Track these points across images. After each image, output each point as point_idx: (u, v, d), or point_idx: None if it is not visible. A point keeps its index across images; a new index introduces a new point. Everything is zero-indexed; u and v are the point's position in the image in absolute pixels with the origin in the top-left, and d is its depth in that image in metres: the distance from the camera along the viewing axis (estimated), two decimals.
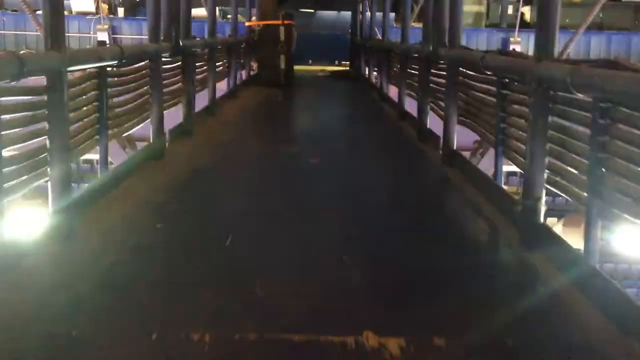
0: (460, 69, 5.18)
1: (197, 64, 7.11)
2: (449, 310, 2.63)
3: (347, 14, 18.73)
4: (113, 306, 2.52)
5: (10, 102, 2.93)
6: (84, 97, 3.78)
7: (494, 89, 4.33)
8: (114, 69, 4.22)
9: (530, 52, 12.65)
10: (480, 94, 4.74)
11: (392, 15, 14.02)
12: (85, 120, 3.81)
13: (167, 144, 5.38)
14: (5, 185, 2.79)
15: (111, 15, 15.81)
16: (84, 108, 3.81)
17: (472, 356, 2.29)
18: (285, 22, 12.04)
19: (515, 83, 3.94)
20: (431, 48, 6.02)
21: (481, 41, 16.90)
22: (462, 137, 5.32)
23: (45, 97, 3.08)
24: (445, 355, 2.27)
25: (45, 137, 3.13)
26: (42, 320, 2.38)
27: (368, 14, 13.96)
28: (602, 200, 2.80)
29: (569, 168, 3.13)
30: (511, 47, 16.79)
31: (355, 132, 7.76)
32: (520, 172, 4.11)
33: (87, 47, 14.42)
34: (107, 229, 3.43)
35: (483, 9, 19.05)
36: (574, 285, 2.81)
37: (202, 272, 2.92)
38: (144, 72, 4.95)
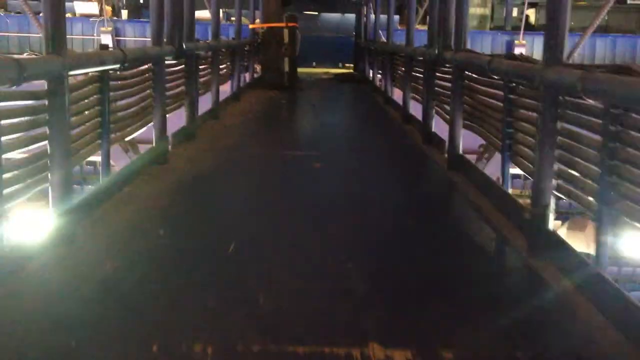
0: (466, 72, 5.12)
1: (200, 67, 7.08)
2: (456, 318, 2.58)
3: (351, 17, 18.70)
4: (113, 315, 2.48)
5: (10, 107, 2.89)
6: (85, 100, 3.74)
7: (500, 93, 4.28)
8: (117, 72, 4.17)
9: (535, 55, 12.76)
10: (487, 98, 4.69)
11: (396, 17, 14.00)
12: (87, 124, 3.77)
13: (170, 147, 5.34)
14: (5, 191, 2.75)
15: (115, 18, 15.82)
16: (86, 112, 3.77)
17: None
18: (289, 24, 12.00)
19: (522, 87, 3.89)
20: (437, 51, 5.96)
21: (486, 44, 16.86)
22: (466, 140, 5.26)
23: (46, 102, 3.04)
24: None
25: (47, 141, 3.09)
26: (41, 329, 2.34)
27: (372, 16, 13.93)
28: (612, 209, 2.75)
29: (578, 175, 3.08)
30: (516, 49, 16.74)
31: (360, 135, 7.72)
32: (524, 175, 4.06)
33: (90, 50, 14.45)
34: (109, 235, 3.39)
35: (488, 11, 19.02)
36: (583, 294, 2.75)
37: (205, 280, 2.87)
38: (146, 75, 4.91)
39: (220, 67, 8.40)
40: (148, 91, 4.98)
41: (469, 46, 5.40)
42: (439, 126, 6.31)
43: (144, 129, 4.96)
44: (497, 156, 5.15)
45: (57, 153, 3.11)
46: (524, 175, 4.01)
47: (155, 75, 4.97)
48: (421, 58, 7.19)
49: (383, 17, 12.44)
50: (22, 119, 2.92)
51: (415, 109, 7.65)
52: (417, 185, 5.03)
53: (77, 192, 3.57)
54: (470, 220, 4.01)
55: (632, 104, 2.58)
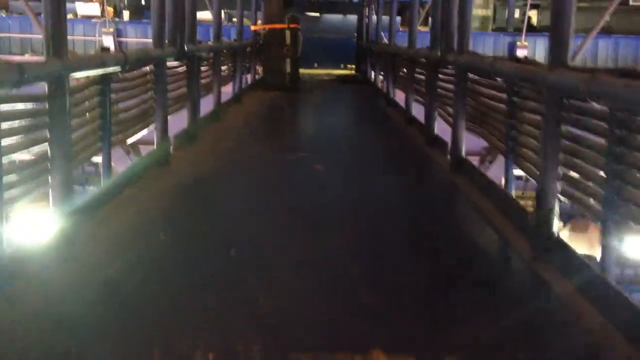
0: (469, 74, 5.10)
1: (202, 69, 7.06)
2: (458, 320, 2.56)
3: (352, 18, 18.67)
4: (112, 321, 2.45)
5: (11, 110, 2.87)
6: (87, 103, 3.72)
7: (503, 95, 4.26)
8: (118, 74, 4.16)
9: (537, 57, 12.73)
10: (490, 101, 4.66)
11: (398, 19, 13.98)
12: (88, 126, 3.75)
13: (171, 149, 5.31)
14: (6, 194, 2.73)
15: (116, 19, 15.82)
16: (87, 114, 3.76)
17: None
18: (291, 25, 11.98)
19: (526, 90, 3.87)
20: (439, 53, 5.94)
21: (487, 45, 16.83)
22: (469, 141, 5.23)
23: (46, 105, 3.02)
24: None
25: (47, 144, 3.08)
26: (41, 333, 2.32)
27: (374, 17, 13.91)
28: (618, 214, 2.72)
29: (583, 178, 3.05)
30: (518, 51, 16.72)
31: (362, 137, 7.68)
32: (526, 177, 4.03)
33: (91, 52, 14.44)
34: (110, 238, 3.36)
35: (490, 12, 18.99)
36: (587, 298, 2.72)
37: (206, 286, 2.84)
38: (148, 77, 4.89)
39: (222, 68, 8.38)
40: (149, 93, 4.96)
41: (470, 48, 5.37)
42: (441, 128, 6.29)
43: (146, 131, 4.95)
44: (500, 158, 5.15)
45: (57, 155, 3.10)
46: (526, 176, 3.99)
47: (156, 77, 4.96)
48: (423, 60, 7.17)
49: (384, 19, 12.42)
50: (23, 121, 2.90)
51: (418, 111, 7.63)
52: (419, 188, 5.00)
53: (79, 194, 3.56)
54: (474, 224, 3.98)
55: (638, 108, 2.55)
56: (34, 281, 2.74)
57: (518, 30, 17.13)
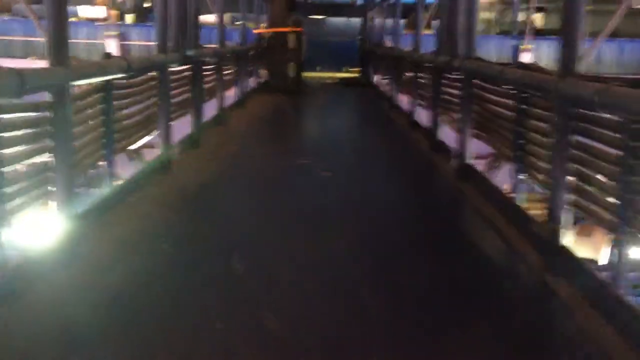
0: (476, 80, 5.04)
1: (205, 73, 7.01)
2: (468, 333, 2.52)
3: (356, 21, 18.63)
4: (113, 337, 2.40)
5: (13, 118, 2.82)
6: (89, 110, 3.67)
7: (511, 102, 4.20)
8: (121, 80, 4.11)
9: (542, 60, 12.62)
10: (497, 107, 4.60)
11: (402, 21, 13.90)
12: (91, 133, 3.70)
13: (174, 155, 5.26)
14: (8, 203, 2.69)
15: (120, 22, 15.80)
16: (90, 121, 3.71)
17: None
18: (295, 29, 11.94)
19: (535, 97, 3.81)
20: (445, 58, 5.88)
21: (492, 48, 16.79)
22: (473, 145, 5.17)
23: (48, 113, 2.97)
24: None
25: (51, 152, 3.03)
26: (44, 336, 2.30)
27: (377, 20, 13.86)
28: (631, 225, 2.67)
29: (595, 190, 2.99)
30: (522, 54, 16.67)
31: (366, 142, 7.61)
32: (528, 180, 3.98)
33: (95, 54, 14.42)
34: (111, 250, 3.31)
35: (494, 15, 18.95)
36: (599, 313, 2.66)
37: (209, 297, 2.79)
38: (151, 83, 4.84)
39: (226, 72, 8.33)
40: (153, 99, 4.91)
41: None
42: (446, 133, 6.23)
43: (149, 136, 4.90)
44: (506, 163, 5.07)
45: (60, 163, 3.05)
46: (529, 181, 3.93)
47: (159, 83, 4.91)
48: (429, 65, 7.11)
49: (388, 22, 12.37)
50: (25, 130, 2.85)
51: (422, 115, 7.57)
52: (425, 196, 4.93)
53: (81, 201, 3.51)
54: (482, 234, 3.91)
55: None
56: (35, 291, 2.70)
57: (523, 34, 17.08)
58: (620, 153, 2.73)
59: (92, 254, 3.16)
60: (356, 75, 17.11)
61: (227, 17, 11.01)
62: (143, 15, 16.47)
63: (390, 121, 9.13)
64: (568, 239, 3.14)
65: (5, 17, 15.31)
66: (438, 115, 6.35)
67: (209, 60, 7.22)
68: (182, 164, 5.32)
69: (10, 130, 2.75)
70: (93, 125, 3.72)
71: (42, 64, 3.01)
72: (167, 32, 5.05)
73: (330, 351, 2.37)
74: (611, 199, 2.84)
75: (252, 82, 11.36)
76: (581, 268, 2.93)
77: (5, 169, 2.70)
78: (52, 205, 3.10)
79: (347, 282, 3.02)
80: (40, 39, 13.59)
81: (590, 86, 2.75)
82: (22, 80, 2.53)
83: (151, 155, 5.00)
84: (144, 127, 4.75)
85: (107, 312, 2.57)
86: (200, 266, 3.13)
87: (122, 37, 14.34)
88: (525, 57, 16.56)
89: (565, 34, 3.13)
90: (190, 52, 5.79)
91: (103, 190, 3.93)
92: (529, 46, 16.68)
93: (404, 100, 9.15)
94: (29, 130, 2.86)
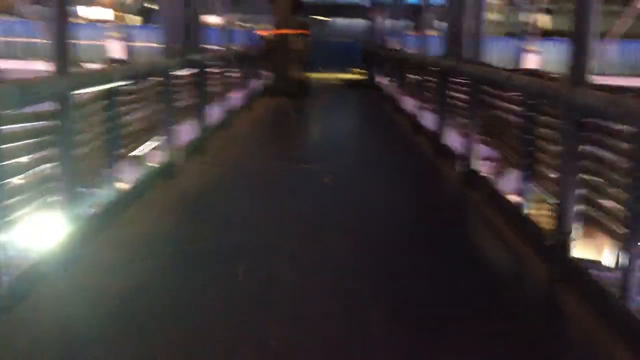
0: (482, 85, 4.99)
1: (210, 77, 6.97)
2: (474, 348, 2.48)
3: (360, 22, 18.60)
4: (115, 353, 2.36)
5: (15, 128, 2.79)
6: (93, 117, 3.63)
7: (519, 109, 4.15)
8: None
9: (546, 62, 12.51)
10: (504, 114, 4.55)
11: (405, 23, 13.87)
12: (94, 141, 3.66)
13: (179, 161, 5.22)
14: (11, 214, 2.66)
15: (124, 23, 15.77)
16: (94, 129, 3.66)
17: None
18: (299, 31, 11.90)
19: (544, 105, 3.75)
20: (451, 62, 5.83)
21: (498, 50, 16.69)
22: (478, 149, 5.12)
23: (51, 122, 2.93)
24: None
25: (53, 161, 2.99)
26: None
27: (381, 21, 13.82)
28: None
29: (605, 201, 2.94)
30: (528, 55, 16.59)
31: (370, 147, 7.54)
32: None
33: (97, 60, 14.40)
34: (114, 260, 3.26)
35: (500, 17, 18.88)
36: (607, 327, 2.62)
37: (213, 311, 2.75)
38: (155, 88, 4.80)
39: (230, 75, 8.29)
40: (157, 104, 4.87)
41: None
42: (451, 137, 6.18)
43: (153, 142, 4.86)
44: (513, 170, 5.01)
45: (63, 172, 3.01)
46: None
47: (163, 89, 4.87)
48: (434, 68, 7.06)
49: (392, 23, 12.34)
50: (28, 140, 2.82)
51: (426, 119, 7.51)
52: (430, 202, 4.87)
53: (85, 209, 3.47)
54: (488, 244, 3.86)
55: None
56: (37, 304, 2.68)
57: (530, 35, 16.99)
58: (631, 164, 2.67)
59: (96, 261, 3.12)
60: (360, 76, 17.07)
61: (231, 18, 10.96)
62: (146, 17, 16.46)
63: (394, 124, 9.08)
64: (577, 249, 3.09)
65: (8, 18, 15.31)
66: (443, 119, 6.30)
67: (213, 63, 7.18)
68: (186, 169, 5.28)
69: (13, 141, 2.71)
70: (96, 132, 3.68)
71: (44, 65, 2.97)
72: (171, 37, 5.01)
73: None
74: (621, 211, 2.79)
75: (256, 84, 11.33)
76: (590, 280, 2.88)
77: (8, 179, 2.67)
78: (56, 213, 3.07)
79: (347, 287, 2.99)
80: (43, 41, 13.52)
81: (602, 96, 2.70)
82: (23, 92, 2.49)
83: (155, 160, 4.96)
84: (148, 132, 4.71)
85: (109, 318, 2.54)
86: (203, 273, 3.07)
87: (125, 38, 14.29)
88: (532, 59, 16.48)
89: (575, 43, 3.08)
90: (194, 57, 5.75)
91: (107, 198, 3.89)
92: (535, 48, 16.58)
93: (408, 103, 9.10)
94: (31, 140, 2.82)
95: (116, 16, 15.11)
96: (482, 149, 5.13)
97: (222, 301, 2.84)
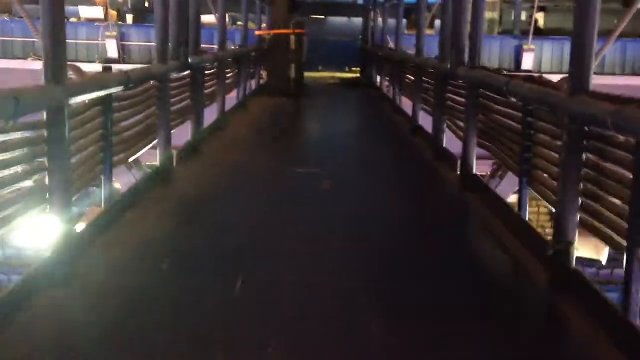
0: (481, 90, 4.96)
1: (206, 77, 6.93)
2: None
3: (358, 21, 18.55)
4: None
5: (6, 139, 2.75)
6: (88, 125, 3.59)
7: (518, 114, 4.12)
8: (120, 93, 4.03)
9: (544, 61, 12.46)
10: (503, 119, 4.52)
11: (404, 21, 13.82)
12: (89, 149, 3.62)
13: (175, 164, 5.18)
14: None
15: (120, 22, 15.70)
16: (89, 136, 3.62)
17: None
18: (296, 31, 11.85)
19: (543, 112, 3.73)
20: (449, 65, 5.80)
21: (494, 49, 16.66)
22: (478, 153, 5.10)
23: (44, 132, 2.89)
24: None
25: (46, 172, 2.95)
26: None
27: (380, 20, 13.76)
28: None
29: (606, 211, 2.91)
30: (525, 54, 16.56)
31: (368, 149, 7.51)
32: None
33: (95, 55, 14.36)
34: (109, 272, 3.22)
35: (496, 15, 18.83)
36: (608, 341, 2.59)
37: (212, 324, 2.72)
38: (151, 92, 4.76)
39: (227, 75, 8.25)
40: (152, 108, 4.83)
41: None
42: (448, 137, 6.16)
43: (149, 147, 4.83)
44: (511, 174, 4.99)
45: (57, 184, 2.97)
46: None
47: (160, 93, 4.83)
48: (432, 70, 7.03)
49: (390, 22, 12.27)
50: (20, 151, 2.78)
51: (425, 120, 7.49)
52: (429, 208, 4.84)
53: (79, 219, 3.44)
54: (488, 252, 3.83)
55: None
56: (36, 305, 2.67)
57: (525, 33, 16.96)
58: (633, 176, 2.64)
59: (90, 274, 3.08)
60: (358, 75, 17.02)
61: (227, 17, 10.91)
62: (142, 16, 16.38)
63: (392, 125, 9.05)
64: (577, 259, 3.06)
65: (6, 18, 15.23)
66: (442, 122, 6.27)
67: (210, 66, 7.14)
68: (182, 173, 5.24)
69: (5, 151, 2.67)
70: (91, 140, 3.64)
71: (41, 65, 2.91)
72: (167, 40, 4.96)
73: None
74: (622, 221, 2.76)
75: (253, 84, 11.28)
76: (591, 290, 2.86)
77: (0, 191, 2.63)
78: (49, 224, 3.03)
79: (342, 293, 2.97)
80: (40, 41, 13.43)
81: (603, 107, 2.67)
82: (17, 103, 2.45)
83: (151, 165, 4.92)
84: (144, 137, 4.67)
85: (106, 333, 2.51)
86: (202, 299, 3.02)
87: (121, 37, 14.23)
88: (528, 58, 16.46)
89: (575, 50, 3.04)
90: (191, 60, 5.71)
91: (103, 205, 3.85)
92: (532, 47, 16.55)
93: (407, 104, 9.07)
94: (23, 151, 2.78)
95: (111, 14, 15.04)
96: (482, 154, 5.11)
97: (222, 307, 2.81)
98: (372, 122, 9.96)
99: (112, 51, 14.11)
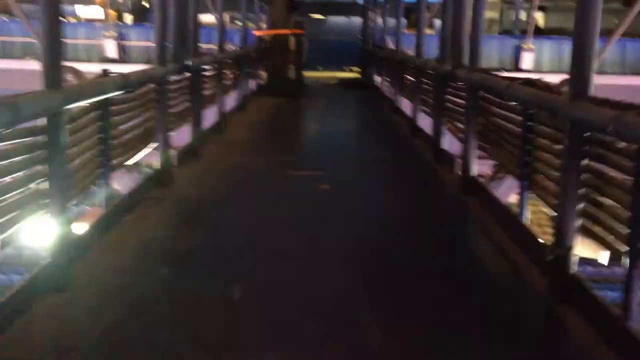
0: (481, 91, 4.94)
1: (205, 79, 6.91)
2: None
3: (357, 20, 18.55)
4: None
5: (4, 145, 2.73)
6: (86, 129, 3.58)
7: (518, 117, 4.10)
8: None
9: (544, 61, 12.43)
10: (503, 122, 4.50)
11: (404, 21, 13.80)
12: (87, 153, 3.61)
13: (174, 167, 5.16)
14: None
15: (119, 22, 15.68)
16: (87, 140, 3.61)
17: None
18: (296, 31, 11.83)
19: (543, 116, 3.71)
20: (449, 67, 5.78)
21: (494, 48, 16.64)
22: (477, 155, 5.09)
23: (42, 138, 2.87)
24: None
25: (45, 178, 2.94)
26: None
27: (379, 19, 13.74)
28: None
29: (606, 217, 2.90)
30: (524, 54, 16.55)
31: (368, 151, 7.48)
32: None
33: (94, 55, 14.33)
34: (108, 277, 3.21)
35: (496, 15, 18.83)
36: (607, 347, 2.58)
37: (210, 332, 2.71)
38: (150, 95, 4.74)
39: (226, 76, 8.23)
40: (151, 111, 4.82)
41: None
42: (449, 142, 6.14)
43: (148, 150, 4.81)
44: (512, 178, 4.97)
45: (56, 188, 2.95)
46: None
47: (158, 95, 4.81)
48: (432, 72, 7.01)
49: (390, 21, 12.26)
50: (17, 157, 2.76)
51: (425, 121, 7.47)
52: (429, 211, 4.83)
53: (77, 224, 3.42)
54: (487, 256, 3.82)
55: None
56: (35, 311, 2.67)
57: (524, 33, 16.94)
58: (633, 182, 2.63)
59: (84, 292, 3.02)
60: (357, 75, 17.00)
61: (226, 16, 10.90)
62: (142, 15, 16.35)
63: (392, 126, 9.03)
64: (577, 265, 3.05)
65: (5, 18, 15.20)
66: (442, 124, 6.25)
67: (209, 67, 7.13)
68: (181, 176, 5.22)
69: (2, 158, 2.65)
70: (89, 144, 3.63)
71: (39, 65, 2.90)
72: (166, 43, 4.95)
73: None
74: (622, 227, 2.75)
75: (252, 85, 11.26)
76: (591, 297, 2.85)
77: None
78: (48, 229, 3.01)
79: (340, 299, 2.97)
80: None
81: (603, 113, 2.65)
82: (15, 110, 2.44)
83: (149, 169, 4.91)
84: (143, 140, 4.66)
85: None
86: (201, 306, 3.00)
87: (120, 37, 14.20)
88: (528, 58, 16.44)
89: (576, 53, 3.02)
90: (189, 62, 5.70)
91: (100, 211, 3.84)
92: (532, 46, 16.53)
93: (406, 104, 9.05)
94: (21, 157, 2.77)
95: (112, 14, 15.02)
96: (482, 156, 5.09)
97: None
98: (371, 123, 9.94)
99: (111, 51, 14.07)
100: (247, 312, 2.89)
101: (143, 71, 4.52)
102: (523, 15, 18.49)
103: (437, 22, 12.03)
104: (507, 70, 15.54)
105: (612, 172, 2.85)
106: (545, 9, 18.99)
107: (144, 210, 4.25)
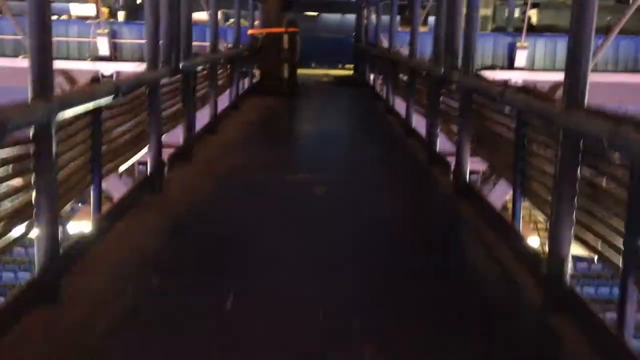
0: (475, 94, 4.92)
1: (198, 80, 6.86)
2: None
3: (351, 17, 18.49)
4: None
5: None
6: (76, 137, 3.53)
7: (512, 123, 4.08)
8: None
9: (537, 57, 12.43)
10: (497, 127, 4.48)
11: (397, 18, 13.76)
12: (77, 160, 3.56)
13: (166, 171, 5.12)
14: None
15: (111, 20, 15.57)
16: (77, 148, 3.56)
17: None
18: (289, 29, 11.76)
19: (538, 123, 3.69)
20: (443, 70, 5.76)
21: (487, 46, 16.59)
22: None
23: (30, 149, 2.83)
24: None
25: (33, 189, 2.89)
26: None
27: (373, 17, 13.70)
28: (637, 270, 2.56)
29: (601, 228, 2.88)
30: (518, 51, 16.52)
31: (361, 152, 7.45)
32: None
33: (86, 53, 14.22)
34: (99, 288, 3.17)
35: (489, 12, 18.78)
36: (601, 358, 2.57)
37: (204, 336, 2.68)
38: (141, 99, 4.69)
39: (218, 77, 8.18)
40: (143, 115, 4.76)
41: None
42: (443, 144, 6.12)
43: (140, 154, 4.77)
44: (505, 183, 4.96)
45: (43, 199, 2.90)
46: None
47: (150, 99, 4.76)
48: (425, 73, 6.98)
49: (384, 19, 12.20)
50: (4, 168, 2.72)
51: (418, 122, 7.45)
52: (422, 215, 4.81)
53: (66, 234, 3.39)
54: (480, 264, 3.80)
55: None
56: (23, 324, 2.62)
57: (518, 30, 16.91)
58: (628, 194, 2.61)
59: (72, 306, 2.96)
60: (351, 73, 16.96)
61: (219, 14, 10.82)
62: (134, 13, 16.25)
63: (386, 127, 9.01)
64: (572, 277, 3.04)
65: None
66: (436, 126, 6.23)
67: (201, 68, 7.07)
68: (173, 180, 5.17)
69: None
70: (80, 152, 3.58)
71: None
72: (158, 45, 4.89)
73: None
74: (618, 240, 2.73)
75: (245, 83, 11.20)
76: (586, 309, 2.83)
77: None
78: (38, 240, 2.97)
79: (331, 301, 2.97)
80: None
81: (599, 124, 2.63)
82: (3, 123, 2.40)
83: (141, 173, 4.87)
84: (134, 145, 4.61)
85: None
86: (192, 317, 2.98)
87: (112, 35, 14.09)
88: (521, 55, 16.42)
89: (570, 61, 3.00)
90: (182, 64, 5.65)
91: (91, 218, 3.80)
92: (525, 44, 16.49)
93: (400, 104, 9.02)
94: (7, 167, 2.72)
95: (103, 12, 14.90)
96: (476, 160, 5.08)
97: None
98: (365, 122, 9.92)
99: (104, 49, 13.97)
100: (240, 320, 2.87)
101: (135, 76, 4.46)
102: (516, 13, 18.46)
103: (432, 19, 12.00)
104: (501, 68, 15.55)
105: (607, 183, 2.83)
106: (539, 6, 18.94)
107: (135, 217, 4.21)
